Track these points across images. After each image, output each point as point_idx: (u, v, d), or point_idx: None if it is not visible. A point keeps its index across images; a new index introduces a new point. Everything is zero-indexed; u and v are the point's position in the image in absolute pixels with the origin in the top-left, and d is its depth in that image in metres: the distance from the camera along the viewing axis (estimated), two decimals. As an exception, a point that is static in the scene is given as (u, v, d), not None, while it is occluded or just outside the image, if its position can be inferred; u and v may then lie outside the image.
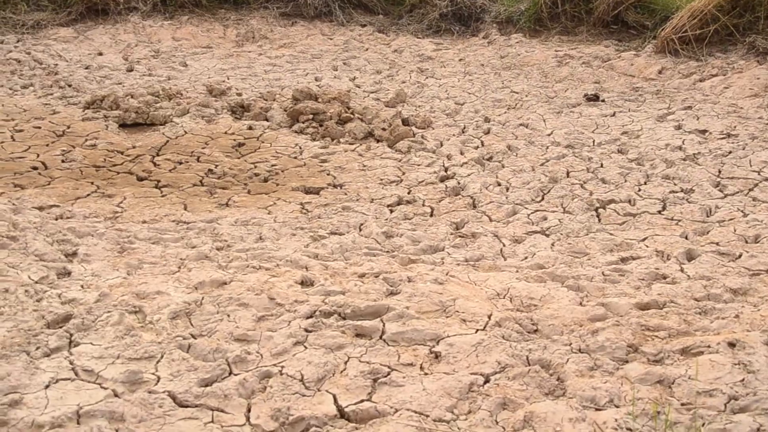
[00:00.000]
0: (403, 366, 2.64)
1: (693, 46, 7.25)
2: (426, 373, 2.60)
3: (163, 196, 4.45)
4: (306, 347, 2.74)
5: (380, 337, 2.83)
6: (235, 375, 2.58)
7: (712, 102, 6.12)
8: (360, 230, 3.99)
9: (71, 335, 2.76)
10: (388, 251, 3.69)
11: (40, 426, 2.26)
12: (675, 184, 4.48)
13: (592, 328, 2.85)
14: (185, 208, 4.25)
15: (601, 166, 4.83)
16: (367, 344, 2.77)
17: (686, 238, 3.79)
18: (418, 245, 3.76)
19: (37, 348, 2.66)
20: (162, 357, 2.66)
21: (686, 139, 5.24)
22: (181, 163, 4.95)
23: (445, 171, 4.85)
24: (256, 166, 4.94)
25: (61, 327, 2.82)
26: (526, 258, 3.62)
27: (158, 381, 2.53)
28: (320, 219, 4.12)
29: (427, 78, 7.45)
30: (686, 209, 4.11)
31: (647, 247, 3.69)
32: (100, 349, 2.69)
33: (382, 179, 4.73)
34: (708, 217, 4.04)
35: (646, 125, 5.64)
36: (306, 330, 2.85)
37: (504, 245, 3.78)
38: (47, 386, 2.46)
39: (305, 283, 3.25)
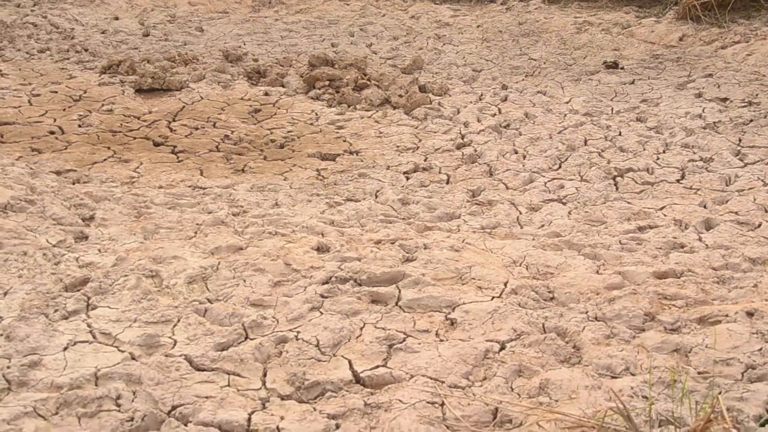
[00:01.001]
0: (419, 332, 2.65)
1: (715, 12, 7.14)
2: (441, 340, 2.61)
3: (179, 161, 4.45)
4: (322, 313, 2.75)
5: (396, 304, 2.83)
6: (251, 339, 2.59)
7: (733, 69, 6.04)
8: (376, 197, 3.98)
9: (89, 298, 2.78)
10: (404, 218, 3.69)
11: (59, 387, 2.28)
12: (694, 153, 4.43)
13: (609, 296, 2.84)
14: (201, 174, 4.25)
15: (620, 134, 4.79)
16: (382, 310, 2.77)
17: (705, 207, 3.76)
18: (434, 212, 3.75)
19: (56, 311, 2.69)
20: (179, 321, 2.67)
21: (706, 108, 5.18)
22: (197, 129, 4.95)
23: (462, 138, 4.82)
24: (272, 132, 4.93)
25: (78, 290, 2.84)
26: (542, 226, 3.60)
27: (175, 345, 2.55)
28: (336, 185, 4.11)
29: (444, 45, 7.38)
30: (705, 178, 4.08)
31: (665, 216, 3.66)
32: (117, 312, 2.70)
33: (398, 146, 4.71)
34: (727, 186, 4.00)
35: (666, 93, 5.57)
36: (322, 296, 2.86)
37: (520, 213, 3.76)
38: (65, 348, 2.48)
39: (321, 249, 3.26)
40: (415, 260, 3.14)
